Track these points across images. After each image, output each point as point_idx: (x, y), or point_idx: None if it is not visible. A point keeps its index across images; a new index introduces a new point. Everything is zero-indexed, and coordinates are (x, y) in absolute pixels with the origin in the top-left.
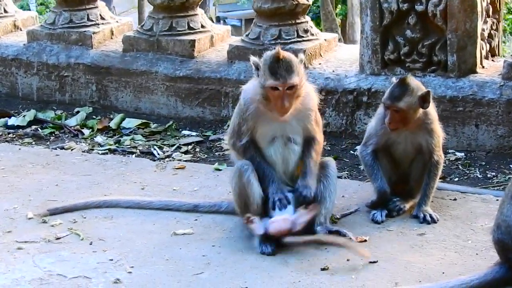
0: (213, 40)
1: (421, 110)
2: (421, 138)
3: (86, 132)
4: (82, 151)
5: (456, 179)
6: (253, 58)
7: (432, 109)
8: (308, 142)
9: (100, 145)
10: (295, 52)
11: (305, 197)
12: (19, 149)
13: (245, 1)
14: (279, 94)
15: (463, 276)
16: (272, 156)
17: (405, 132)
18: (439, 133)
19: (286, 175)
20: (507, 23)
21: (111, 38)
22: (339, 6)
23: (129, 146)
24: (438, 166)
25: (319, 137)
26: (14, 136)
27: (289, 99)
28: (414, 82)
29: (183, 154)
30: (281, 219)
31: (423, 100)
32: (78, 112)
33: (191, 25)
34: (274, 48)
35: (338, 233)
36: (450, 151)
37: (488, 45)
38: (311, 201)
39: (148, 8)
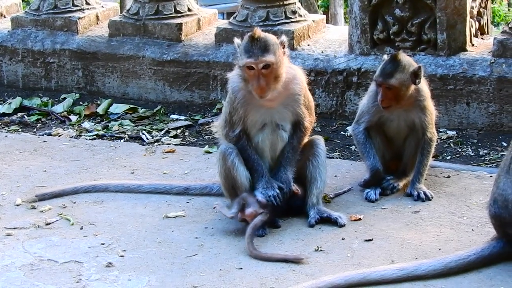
0: (200, 23)
1: (413, 87)
2: (414, 115)
3: (73, 118)
4: (70, 137)
5: (449, 157)
6: (237, 40)
7: (424, 86)
8: (295, 128)
9: (87, 130)
10: (281, 34)
11: (284, 192)
12: (6, 136)
13: None
14: (255, 73)
15: (460, 252)
16: (260, 143)
17: (398, 110)
18: (432, 110)
19: (272, 161)
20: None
21: (97, 23)
22: None
23: (117, 131)
24: (431, 144)
25: (308, 121)
26: (0, 124)
27: (265, 79)
28: (406, 58)
29: (172, 138)
30: (253, 210)
31: (415, 76)
32: (64, 98)
33: (177, 8)
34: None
35: (329, 218)
36: (442, 129)
37: (477, 23)
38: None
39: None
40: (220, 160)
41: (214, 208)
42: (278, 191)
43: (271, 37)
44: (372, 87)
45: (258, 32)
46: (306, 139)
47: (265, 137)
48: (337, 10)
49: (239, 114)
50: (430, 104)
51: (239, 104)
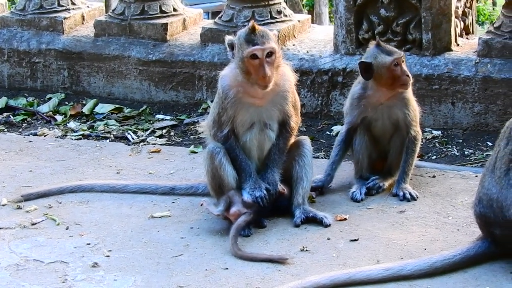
0: (186, 23)
1: None
2: (397, 110)
3: (59, 118)
4: (56, 137)
5: (434, 157)
6: (228, 37)
7: None
8: (281, 129)
9: (73, 130)
10: None
11: (270, 194)
12: None
13: None
14: (260, 62)
15: (446, 252)
16: (248, 143)
17: (382, 107)
18: (415, 106)
19: (259, 161)
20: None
21: (82, 23)
22: None
23: (103, 131)
24: (415, 142)
25: (294, 121)
26: None
27: (269, 67)
28: None
29: (157, 138)
30: (237, 210)
31: None
32: (50, 98)
33: (163, 8)
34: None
35: (315, 218)
36: (427, 129)
37: (462, 23)
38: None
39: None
40: (207, 160)
41: (201, 205)
42: (265, 192)
43: (267, 29)
44: (353, 89)
45: (256, 24)
46: (292, 140)
47: (253, 137)
48: (322, 10)
49: (228, 114)
50: (412, 98)
51: (229, 103)
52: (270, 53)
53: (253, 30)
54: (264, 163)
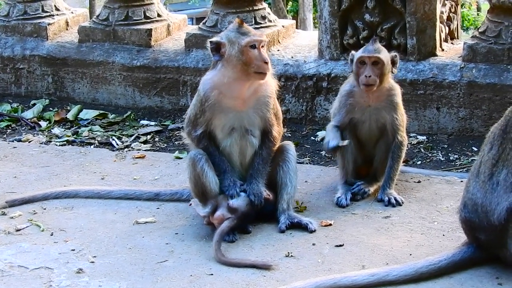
0: (170, 29)
1: (390, 76)
2: (385, 113)
3: (43, 124)
4: (40, 143)
5: (419, 162)
6: (211, 40)
7: (395, 84)
8: (263, 138)
9: (57, 136)
10: None
11: (255, 205)
12: None
13: (196, 0)
14: (258, 50)
15: (431, 257)
16: (228, 148)
17: (370, 109)
18: (403, 111)
19: (242, 167)
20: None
21: (67, 29)
22: (290, 3)
23: (87, 137)
24: (401, 148)
25: (277, 130)
26: None
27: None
28: None
29: (142, 144)
30: (221, 214)
31: (393, 63)
32: (34, 104)
33: (147, 14)
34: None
35: (300, 224)
36: (412, 134)
37: (447, 28)
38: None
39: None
40: (189, 166)
41: (190, 205)
42: (239, 190)
43: None
44: (343, 88)
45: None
46: (275, 148)
47: (233, 142)
48: (306, 15)
49: (206, 116)
50: (401, 102)
51: (208, 106)
52: (264, 44)
53: (241, 24)
54: (247, 170)
